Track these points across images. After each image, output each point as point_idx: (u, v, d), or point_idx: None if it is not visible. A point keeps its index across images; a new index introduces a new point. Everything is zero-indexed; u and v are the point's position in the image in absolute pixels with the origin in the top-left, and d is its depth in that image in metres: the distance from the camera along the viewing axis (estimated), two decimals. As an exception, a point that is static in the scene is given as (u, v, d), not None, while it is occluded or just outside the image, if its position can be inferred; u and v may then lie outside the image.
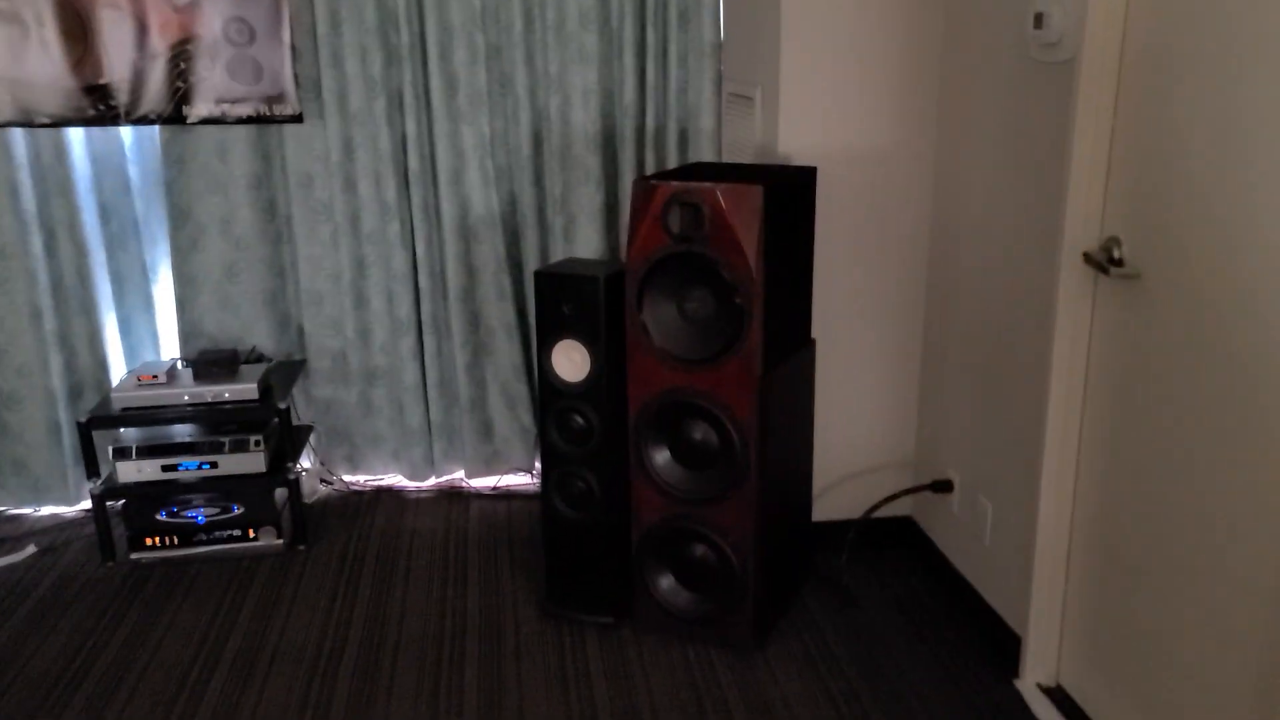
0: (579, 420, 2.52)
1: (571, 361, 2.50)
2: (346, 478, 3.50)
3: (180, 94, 3.04)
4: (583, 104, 3.22)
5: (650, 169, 3.26)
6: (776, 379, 2.41)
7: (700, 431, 2.42)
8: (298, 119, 3.13)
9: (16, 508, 3.35)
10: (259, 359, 3.26)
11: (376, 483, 3.51)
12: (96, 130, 3.13)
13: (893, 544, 3.04)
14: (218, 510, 2.97)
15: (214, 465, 2.94)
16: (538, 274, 2.48)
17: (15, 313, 3.19)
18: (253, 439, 2.95)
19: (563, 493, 2.59)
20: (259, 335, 3.34)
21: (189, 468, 2.94)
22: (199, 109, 3.07)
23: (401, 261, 3.27)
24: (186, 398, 2.92)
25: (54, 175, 3.09)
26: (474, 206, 3.29)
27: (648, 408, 2.44)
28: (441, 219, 3.28)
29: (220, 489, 2.98)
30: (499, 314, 3.35)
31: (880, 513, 3.02)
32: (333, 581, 2.87)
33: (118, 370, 3.31)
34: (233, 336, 3.33)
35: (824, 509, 2.98)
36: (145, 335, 3.38)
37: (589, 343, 2.45)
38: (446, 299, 3.36)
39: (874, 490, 3.00)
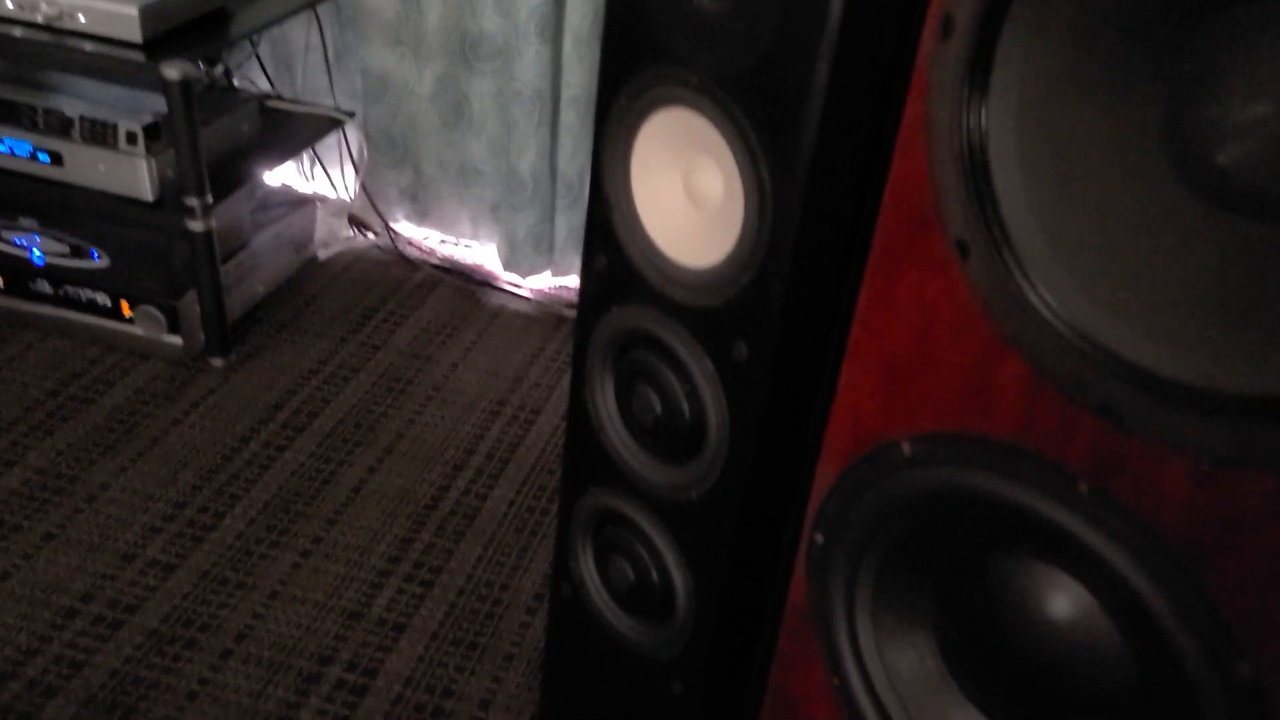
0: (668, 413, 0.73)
1: (688, 197, 0.68)
2: (403, 229, 1.92)
3: None
4: None
5: None
6: None
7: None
8: None
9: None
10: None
11: (451, 255, 1.90)
12: None
13: None
14: (64, 249, 1.52)
15: (56, 160, 1.45)
16: None
17: None
18: (124, 129, 1.41)
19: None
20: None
21: (18, 152, 1.46)
22: None
23: None
24: (10, 5, 1.39)
25: None
26: None
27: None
28: None
29: (67, 210, 1.50)
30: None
31: None
32: (242, 437, 1.39)
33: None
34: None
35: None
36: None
37: (747, 159, 0.62)
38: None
39: None
